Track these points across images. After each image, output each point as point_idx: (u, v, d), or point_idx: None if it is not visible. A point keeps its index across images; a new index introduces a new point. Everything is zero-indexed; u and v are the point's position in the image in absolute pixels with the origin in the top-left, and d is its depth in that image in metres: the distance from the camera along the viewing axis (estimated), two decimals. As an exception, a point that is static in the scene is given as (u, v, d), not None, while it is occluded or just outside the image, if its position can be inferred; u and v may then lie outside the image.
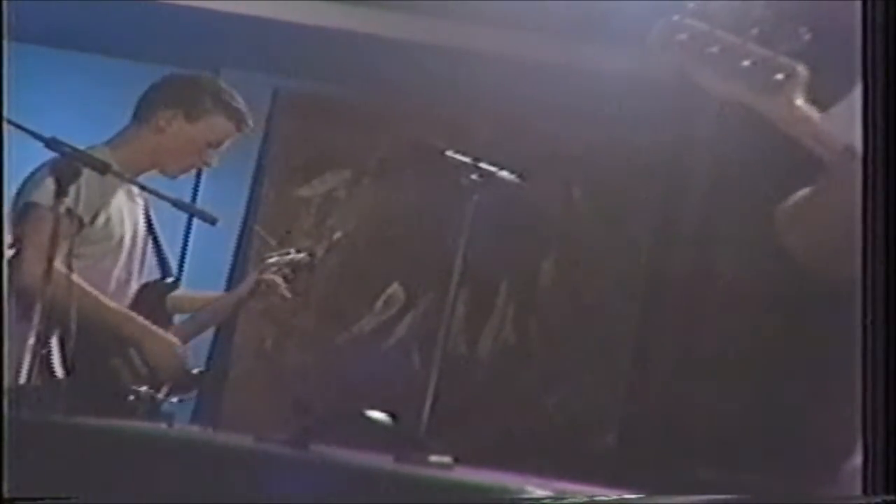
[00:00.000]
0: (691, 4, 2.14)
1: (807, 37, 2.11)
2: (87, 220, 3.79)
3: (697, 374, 5.39)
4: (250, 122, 4.11)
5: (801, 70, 2.10)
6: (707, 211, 5.41)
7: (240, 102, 4.08)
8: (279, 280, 4.15)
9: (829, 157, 1.96)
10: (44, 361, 3.40)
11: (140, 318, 3.91)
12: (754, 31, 2.10)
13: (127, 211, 3.97)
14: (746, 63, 2.10)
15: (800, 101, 2.10)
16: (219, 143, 4.06)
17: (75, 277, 3.46)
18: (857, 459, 1.77)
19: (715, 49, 2.10)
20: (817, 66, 2.13)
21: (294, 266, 4.21)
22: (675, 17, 2.12)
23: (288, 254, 4.24)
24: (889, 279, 1.58)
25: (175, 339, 3.95)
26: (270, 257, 4.23)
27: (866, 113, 1.59)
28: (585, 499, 1.60)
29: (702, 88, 2.12)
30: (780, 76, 2.10)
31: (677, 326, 5.55)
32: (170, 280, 4.15)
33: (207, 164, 4.10)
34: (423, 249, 5.60)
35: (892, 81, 1.57)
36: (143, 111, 4.02)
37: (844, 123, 1.83)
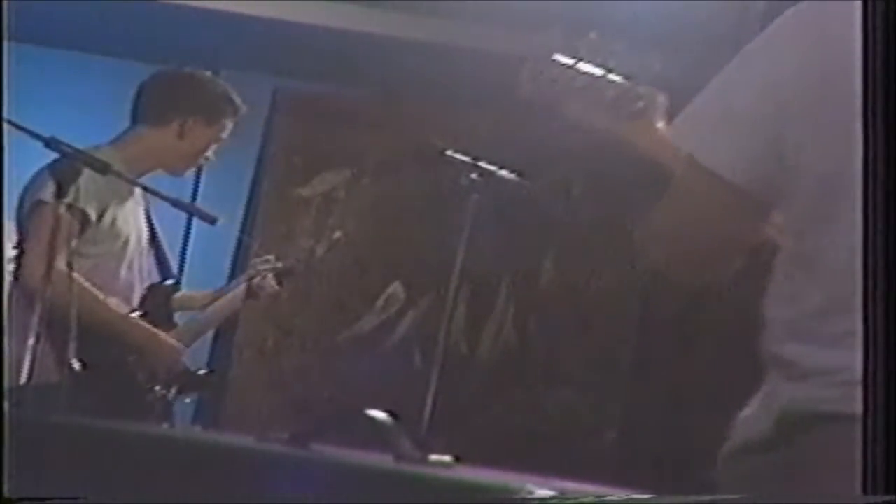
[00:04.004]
0: (554, 43, 2.27)
1: (657, 66, 2.23)
2: (93, 218, 3.79)
3: (697, 373, 5.39)
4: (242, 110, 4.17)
5: (661, 97, 2.23)
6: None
7: (237, 97, 4.14)
8: (270, 283, 4.19)
9: (676, 169, 2.04)
10: (47, 361, 3.41)
11: (142, 323, 3.92)
12: (612, 63, 2.22)
13: (131, 212, 3.97)
14: (609, 94, 2.23)
15: (661, 125, 2.23)
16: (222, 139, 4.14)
17: (76, 276, 3.47)
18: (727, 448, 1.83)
19: (579, 84, 2.23)
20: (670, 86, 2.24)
21: (279, 273, 4.24)
22: (539, 58, 2.26)
23: (268, 261, 4.28)
24: (890, 278, 1.59)
25: (177, 343, 3.96)
26: (258, 262, 4.28)
27: (866, 116, 1.59)
28: (591, 499, 1.60)
29: (571, 121, 2.25)
30: (641, 104, 2.23)
31: (677, 326, 5.55)
32: (172, 282, 4.16)
33: (208, 158, 4.15)
34: (423, 249, 5.61)
35: (892, 86, 1.58)
36: (152, 112, 4.01)
37: (686, 133, 1.90)
